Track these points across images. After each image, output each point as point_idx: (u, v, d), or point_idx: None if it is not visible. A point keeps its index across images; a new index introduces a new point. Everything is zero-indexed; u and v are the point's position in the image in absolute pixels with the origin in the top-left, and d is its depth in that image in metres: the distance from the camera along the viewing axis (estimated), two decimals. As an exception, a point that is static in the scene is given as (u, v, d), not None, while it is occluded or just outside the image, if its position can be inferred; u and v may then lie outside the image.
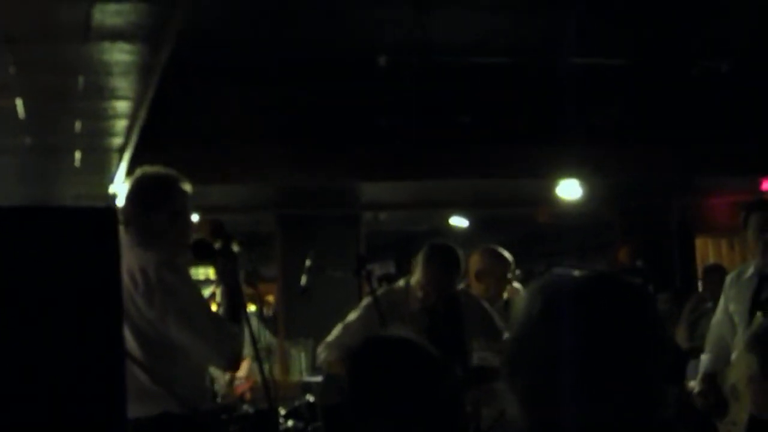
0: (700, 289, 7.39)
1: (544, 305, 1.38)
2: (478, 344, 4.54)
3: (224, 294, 3.34)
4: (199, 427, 3.40)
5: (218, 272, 3.41)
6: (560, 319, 1.37)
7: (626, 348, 1.35)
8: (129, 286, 3.20)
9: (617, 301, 1.37)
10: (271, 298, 9.56)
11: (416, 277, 4.41)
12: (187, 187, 3.37)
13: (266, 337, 7.04)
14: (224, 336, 3.26)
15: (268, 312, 8.86)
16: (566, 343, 1.35)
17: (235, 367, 3.74)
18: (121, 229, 3.34)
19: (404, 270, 5.83)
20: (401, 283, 4.56)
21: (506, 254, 5.24)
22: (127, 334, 3.23)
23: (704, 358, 4.84)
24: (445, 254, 4.39)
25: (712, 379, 4.32)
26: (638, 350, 1.36)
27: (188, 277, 3.36)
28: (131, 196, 3.32)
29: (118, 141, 5.47)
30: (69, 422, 2.07)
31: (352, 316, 4.54)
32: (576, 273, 1.43)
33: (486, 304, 4.72)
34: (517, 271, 5.58)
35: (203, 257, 3.44)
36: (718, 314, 4.70)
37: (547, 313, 1.38)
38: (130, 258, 3.21)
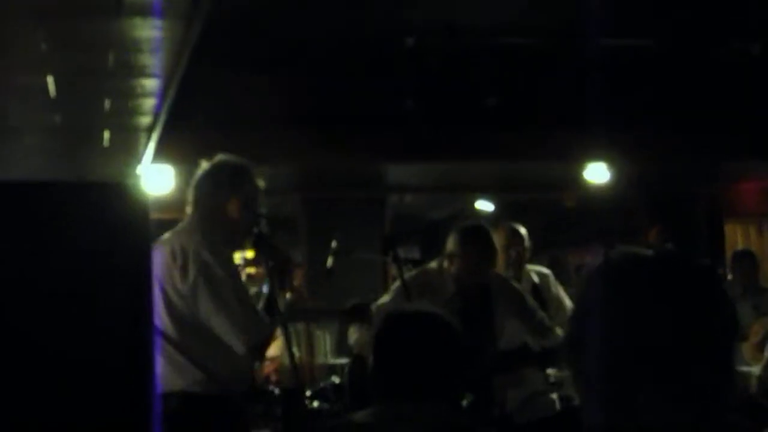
0: (729, 275, 7.32)
1: (608, 283, 1.36)
2: (512, 327, 4.51)
3: (269, 283, 3.43)
4: (225, 408, 3.42)
5: (263, 260, 3.52)
6: (625, 298, 1.33)
7: (694, 329, 1.31)
8: (169, 261, 3.24)
9: (684, 279, 1.34)
10: (298, 281, 9.57)
11: (449, 263, 4.35)
12: (261, 182, 3.50)
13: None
14: (251, 322, 3.30)
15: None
16: (631, 323, 1.32)
17: (257, 355, 3.77)
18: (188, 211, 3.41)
19: (429, 254, 5.79)
20: (433, 264, 4.51)
21: (521, 230, 5.22)
22: (162, 310, 3.26)
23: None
24: (481, 238, 4.32)
25: None
26: (706, 331, 1.32)
27: (228, 259, 3.43)
28: (208, 180, 3.41)
29: (146, 120, 5.49)
30: (98, 397, 2.07)
31: (384, 298, 4.52)
32: (640, 251, 1.40)
33: (517, 285, 4.67)
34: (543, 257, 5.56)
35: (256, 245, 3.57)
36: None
37: (611, 291, 1.35)
38: (183, 239, 3.26)
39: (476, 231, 4.35)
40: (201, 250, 3.26)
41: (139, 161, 6.32)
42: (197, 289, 3.24)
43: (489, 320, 4.32)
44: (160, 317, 3.22)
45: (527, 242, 5.29)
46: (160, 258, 3.19)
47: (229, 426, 3.46)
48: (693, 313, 1.32)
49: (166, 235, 3.36)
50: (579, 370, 1.36)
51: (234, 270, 3.48)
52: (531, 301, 4.55)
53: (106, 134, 5.65)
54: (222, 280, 3.27)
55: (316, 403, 5.49)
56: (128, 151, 6.06)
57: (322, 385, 5.90)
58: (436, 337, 2.57)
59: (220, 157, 3.55)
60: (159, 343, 3.21)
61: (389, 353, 2.55)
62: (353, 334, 4.70)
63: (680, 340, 1.30)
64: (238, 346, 3.33)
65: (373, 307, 4.50)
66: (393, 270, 4.94)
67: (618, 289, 1.34)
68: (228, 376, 3.40)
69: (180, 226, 3.42)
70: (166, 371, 3.19)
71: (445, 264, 4.33)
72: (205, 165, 3.51)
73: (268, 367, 7.36)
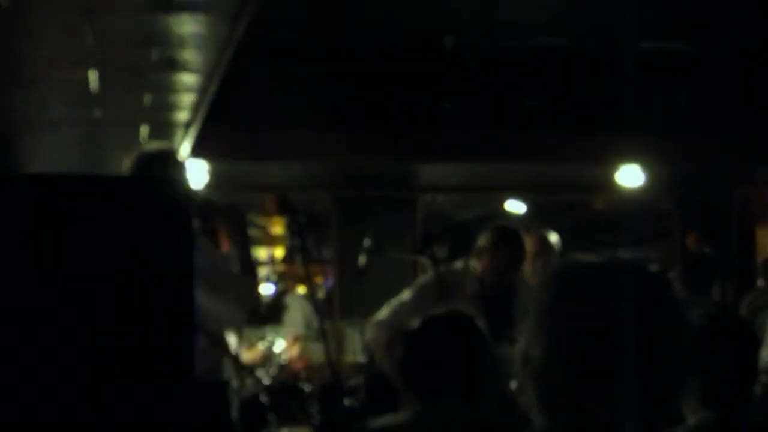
0: (759, 281, 7.27)
1: (555, 291, 1.36)
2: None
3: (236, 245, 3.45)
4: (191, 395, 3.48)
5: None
6: (570, 304, 1.34)
7: (638, 334, 1.31)
8: None
9: (627, 285, 1.34)
10: (319, 279, 9.60)
11: (476, 260, 4.34)
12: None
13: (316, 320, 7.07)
14: (240, 292, 3.36)
15: (319, 294, 8.89)
16: (576, 328, 1.32)
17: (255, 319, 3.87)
18: None
19: (457, 254, 5.79)
20: (458, 265, 4.50)
21: (552, 237, 5.20)
22: None
23: (764, 352, 4.77)
24: (513, 240, 4.32)
25: None
26: (651, 337, 1.31)
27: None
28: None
29: (184, 116, 5.51)
30: (139, 392, 2.08)
31: (405, 295, 4.51)
32: (588, 258, 1.41)
33: None
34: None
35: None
36: None
37: (558, 298, 1.35)
38: None
39: (510, 232, 4.36)
40: None
41: (175, 156, 6.34)
42: None
43: (509, 327, 4.30)
44: None
45: (557, 249, 5.28)
46: None
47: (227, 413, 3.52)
48: (640, 322, 1.30)
49: None
50: (531, 381, 1.35)
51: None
52: None
53: (144, 129, 5.68)
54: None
55: (346, 402, 5.51)
56: (165, 147, 6.08)
57: (352, 383, 5.91)
58: (467, 339, 2.58)
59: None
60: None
61: (421, 356, 2.56)
62: (370, 332, 4.71)
63: (626, 349, 1.29)
64: (237, 316, 3.38)
65: (393, 301, 4.50)
66: (427, 268, 4.93)
67: (563, 300, 1.34)
68: (204, 362, 3.44)
69: None
70: None
71: (473, 262, 4.32)
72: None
73: (296, 364, 7.38)
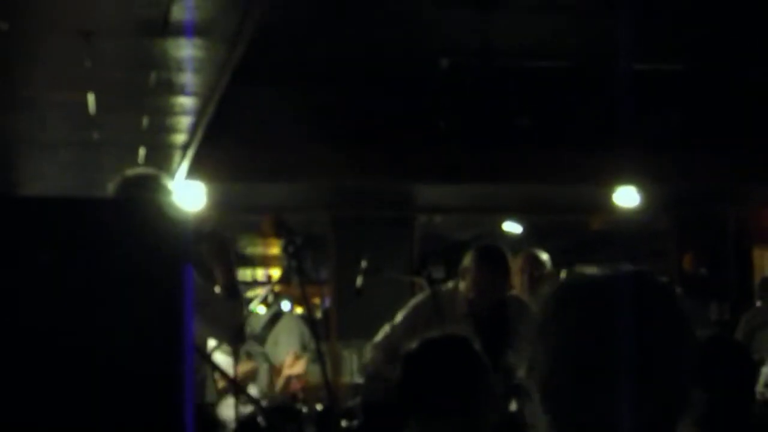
0: (757, 301, 7.29)
1: (558, 303, 1.36)
2: (526, 352, 4.50)
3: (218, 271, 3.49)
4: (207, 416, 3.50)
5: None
6: (572, 315, 1.34)
7: (641, 345, 1.31)
8: None
9: (633, 294, 1.34)
10: (316, 300, 9.59)
11: (465, 280, 4.35)
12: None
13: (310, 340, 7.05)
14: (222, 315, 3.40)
15: (316, 315, 8.88)
16: (578, 341, 1.32)
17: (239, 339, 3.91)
18: None
19: (453, 275, 5.81)
20: (449, 285, 4.52)
21: (543, 255, 5.22)
22: None
23: (765, 370, 4.79)
24: (495, 258, 4.32)
25: None
26: (654, 348, 1.31)
27: None
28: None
29: (181, 138, 5.53)
30: (132, 410, 2.08)
31: (399, 316, 4.53)
32: (592, 270, 1.40)
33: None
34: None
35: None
36: None
37: (560, 310, 1.35)
38: None
39: (491, 250, 4.38)
40: None
41: (172, 179, 6.37)
42: None
43: (502, 344, 4.31)
44: None
45: (548, 267, 5.31)
46: None
47: None
48: (649, 332, 1.31)
49: None
50: (537, 388, 1.35)
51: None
52: None
53: (142, 151, 5.70)
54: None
55: (343, 423, 5.50)
56: (162, 168, 6.10)
57: (349, 404, 5.90)
58: (465, 361, 2.59)
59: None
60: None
61: (420, 378, 2.58)
62: (368, 353, 4.72)
63: (631, 358, 1.30)
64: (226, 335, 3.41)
65: (387, 325, 4.52)
66: (423, 288, 4.94)
67: (570, 309, 1.34)
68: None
69: None
70: None
71: (461, 282, 4.35)
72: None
73: (294, 385, 7.37)
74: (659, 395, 1.31)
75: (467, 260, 4.34)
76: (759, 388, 4.52)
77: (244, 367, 6.66)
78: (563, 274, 1.43)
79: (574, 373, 1.32)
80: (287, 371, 6.94)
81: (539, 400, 1.36)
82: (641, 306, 1.33)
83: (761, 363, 5.76)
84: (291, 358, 7.12)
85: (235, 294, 3.56)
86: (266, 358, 7.05)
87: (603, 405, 1.30)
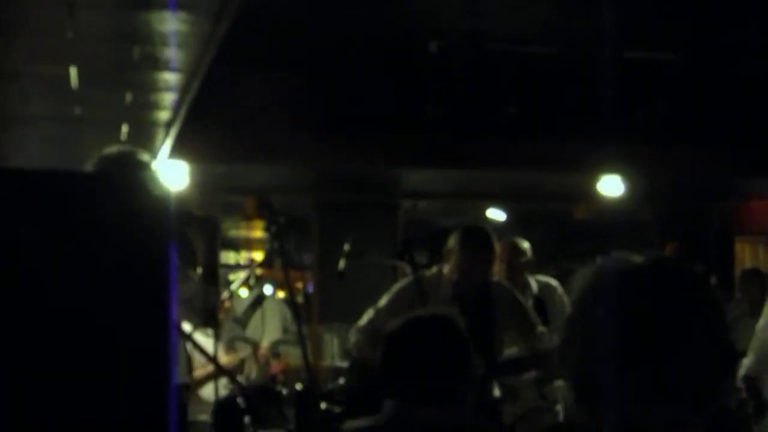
0: (737, 293, 7.31)
1: (595, 286, 1.36)
2: (510, 337, 4.48)
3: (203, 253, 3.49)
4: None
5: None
6: (610, 299, 1.34)
7: (677, 332, 1.30)
8: None
9: (669, 283, 1.34)
10: (299, 285, 9.56)
11: (449, 262, 4.32)
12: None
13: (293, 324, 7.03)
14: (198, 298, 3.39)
15: (298, 298, 8.86)
16: (615, 325, 1.32)
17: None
18: None
19: (436, 261, 5.79)
20: (434, 269, 4.48)
21: (524, 244, 5.22)
22: None
23: (746, 361, 4.79)
24: (480, 238, 4.27)
25: (752, 382, 4.27)
26: (690, 335, 1.31)
27: None
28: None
29: (165, 115, 5.48)
30: (114, 388, 2.06)
31: (383, 300, 4.50)
32: (633, 258, 1.39)
33: (521, 297, 4.63)
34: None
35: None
36: (763, 319, 4.63)
37: (597, 293, 1.35)
38: None
39: (476, 230, 4.32)
40: None
41: (155, 156, 6.31)
42: None
43: (487, 328, 4.28)
44: None
45: (529, 255, 5.30)
46: None
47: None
48: (686, 319, 1.31)
49: None
50: (570, 377, 1.35)
51: None
52: (532, 314, 4.51)
53: (125, 128, 5.65)
54: None
55: (323, 405, 5.48)
56: (145, 146, 6.04)
57: (329, 387, 5.88)
58: (448, 341, 2.56)
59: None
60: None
61: (402, 357, 2.55)
62: (352, 337, 4.69)
63: (674, 346, 1.30)
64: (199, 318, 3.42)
65: (371, 309, 4.49)
66: (406, 273, 4.92)
67: (612, 297, 1.34)
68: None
69: None
70: None
71: (445, 266, 4.30)
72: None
73: (275, 368, 7.34)
74: (696, 381, 1.31)
75: (452, 241, 4.29)
76: (737, 382, 4.53)
77: (230, 358, 6.64)
78: (598, 262, 1.41)
79: (608, 361, 1.31)
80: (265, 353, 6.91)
81: (571, 389, 1.35)
82: (680, 296, 1.33)
83: (742, 355, 5.78)
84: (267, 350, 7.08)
85: (214, 280, 3.55)
86: (248, 342, 7.02)
87: (642, 395, 1.29)
